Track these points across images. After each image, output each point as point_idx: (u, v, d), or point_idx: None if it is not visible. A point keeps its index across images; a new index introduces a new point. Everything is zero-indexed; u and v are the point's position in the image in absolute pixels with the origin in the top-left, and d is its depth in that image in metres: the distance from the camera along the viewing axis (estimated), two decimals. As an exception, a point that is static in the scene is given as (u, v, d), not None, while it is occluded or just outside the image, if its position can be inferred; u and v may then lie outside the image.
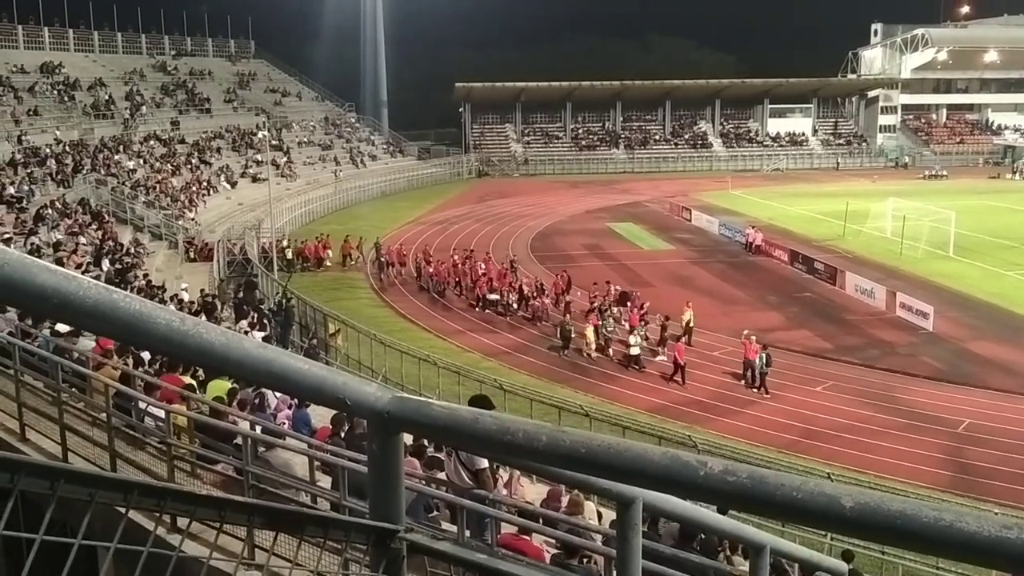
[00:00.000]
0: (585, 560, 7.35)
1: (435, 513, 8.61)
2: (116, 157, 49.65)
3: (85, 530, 1.29)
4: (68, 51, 66.50)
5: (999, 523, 1.29)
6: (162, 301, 25.03)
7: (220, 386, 14.00)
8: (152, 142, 57.33)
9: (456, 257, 41.17)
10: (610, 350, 29.72)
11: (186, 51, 79.81)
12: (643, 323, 30.45)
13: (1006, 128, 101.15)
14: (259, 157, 60.90)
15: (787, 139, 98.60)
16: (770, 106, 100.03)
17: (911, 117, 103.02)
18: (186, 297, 26.66)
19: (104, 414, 9.06)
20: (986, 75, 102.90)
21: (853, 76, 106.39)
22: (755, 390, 26.37)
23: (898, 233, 46.07)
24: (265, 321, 25.23)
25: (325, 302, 32.75)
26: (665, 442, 20.33)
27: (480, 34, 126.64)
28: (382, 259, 43.11)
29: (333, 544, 1.73)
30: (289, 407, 15.38)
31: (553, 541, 7.85)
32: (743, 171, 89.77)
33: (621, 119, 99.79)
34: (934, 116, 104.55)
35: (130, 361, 15.96)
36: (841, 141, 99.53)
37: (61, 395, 9.36)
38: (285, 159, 67.84)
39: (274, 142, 64.86)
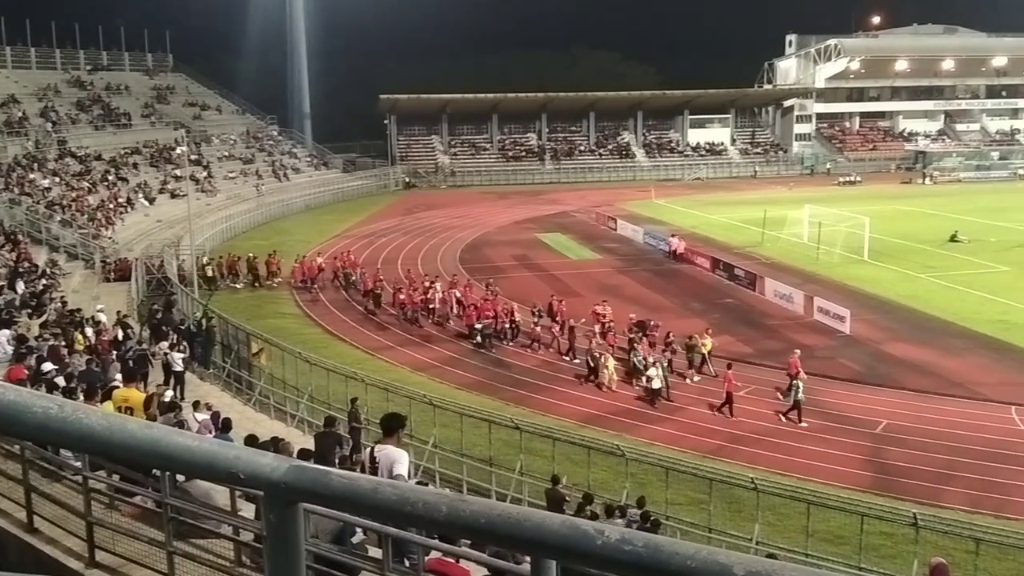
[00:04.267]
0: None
1: (362, 538, 8.47)
2: (30, 175, 48.15)
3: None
4: (-20, 68, 64.39)
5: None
6: (79, 323, 24.32)
7: (124, 395, 13.38)
8: (68, 159, 55.71)
9: (428, 283, 37.78)
10: (635, 382, 27.88)
11: (102, 65, 77.67)
12: (666, 351, 28.75)
13: (916, 134, 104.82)
14: (178, 172, 59.62)
15: (707, 149, 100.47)
16: (690, 117, 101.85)
17: (825, 125, 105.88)
18: (104, 319, 25.98)
19: (17, 446, 8.75)
20: (897, 83, 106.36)
21: (769, 86, 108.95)
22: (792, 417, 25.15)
23: (815, 239, 47.32)
24: (184, 343, 24.66)
25: (247, 320, 32.17)
26: (594, 452, 20.46)
27: (405, 45, 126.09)
28: (363, 288, 39.20)
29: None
30: (210, 431, 15.07)
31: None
32: (665, 180, 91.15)
33: (547, 130, 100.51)
34: (847, 124, 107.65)
35: (42, 389, 15.47)
36: (758, 150, 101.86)
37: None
38: (205, 174, 66.52)
39: (193, 157, 63.52)
